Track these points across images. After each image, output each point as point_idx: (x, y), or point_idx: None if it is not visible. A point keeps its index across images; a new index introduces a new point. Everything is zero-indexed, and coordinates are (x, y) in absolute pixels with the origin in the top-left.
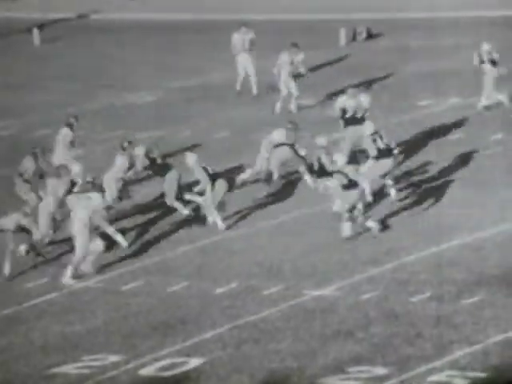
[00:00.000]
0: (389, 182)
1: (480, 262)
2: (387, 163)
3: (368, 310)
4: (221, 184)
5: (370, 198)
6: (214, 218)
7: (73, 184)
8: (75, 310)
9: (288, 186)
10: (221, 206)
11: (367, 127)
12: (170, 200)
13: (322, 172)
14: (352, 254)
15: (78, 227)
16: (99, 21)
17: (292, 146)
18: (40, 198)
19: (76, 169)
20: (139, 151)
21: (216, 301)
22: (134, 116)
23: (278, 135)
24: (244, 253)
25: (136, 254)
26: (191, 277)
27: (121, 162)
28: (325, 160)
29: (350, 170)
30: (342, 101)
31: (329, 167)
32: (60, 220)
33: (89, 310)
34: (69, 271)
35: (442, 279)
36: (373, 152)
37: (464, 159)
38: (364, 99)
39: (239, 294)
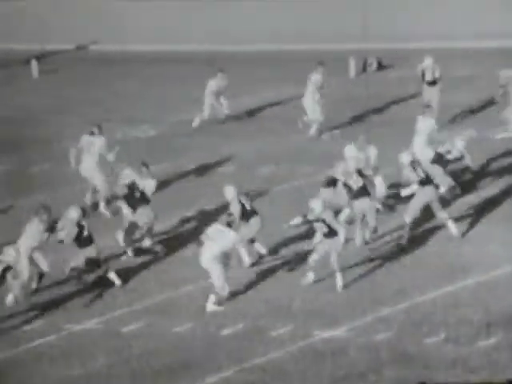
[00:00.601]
0: (442, 214)
1: (497, 301)
2: (430, 191)
3: (380, 352)
4: (256, 221)
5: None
6: (241, 253)
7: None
8: (75, 352)
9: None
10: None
11: (403, 157)
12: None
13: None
14: (363, 294)
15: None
16: (98, 52)
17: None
18: None
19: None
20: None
21: (222, 343)
22: (136, 150)
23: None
24: (251, 292)
25: (137, 294)
26: (195, 317)
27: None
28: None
29: (328, 215)
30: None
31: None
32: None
33: (89, 352)
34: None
35: (457, 320)
36: (414, 179)
37: (477, 194)
38: (371, 153)
39: (246, 335)
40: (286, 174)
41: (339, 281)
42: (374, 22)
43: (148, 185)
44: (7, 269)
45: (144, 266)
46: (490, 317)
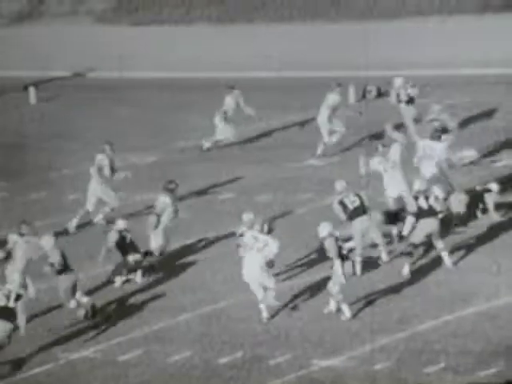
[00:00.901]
0: (440, 245)
1: (497, 331)
2: (430, 223)
3: (380, 382)
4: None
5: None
6: None
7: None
8: (72, 381)
9: (296, 248)
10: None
11: (416, 184)
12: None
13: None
14: (362, 322)
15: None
16: (96, 79)
17: None
18: None
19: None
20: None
21: (220, 372)
22: (134, 177)
23: None
24: (249, 320)
25: (134, 322)
26: (193, 346)
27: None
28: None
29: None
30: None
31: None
32: None
33: (86, 381)
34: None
35: (457, 349)
36: (412, 209)
37: (479, 224)
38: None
39: (244, 364)
40: (285, 201)
41: (347, 311)
42: (375, 49)
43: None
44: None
45: (142, 293)
46: (490, 346)
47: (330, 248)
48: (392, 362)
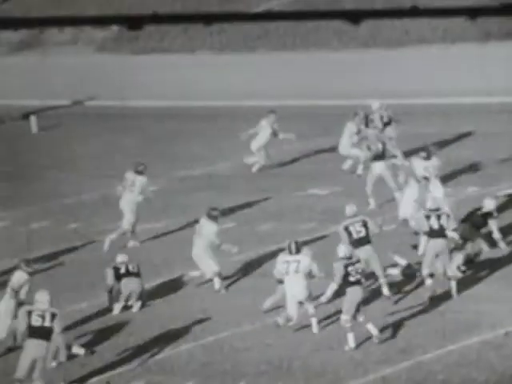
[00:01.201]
0: (450, 272)
1: (501, 360)
2: (440, 243)
3: None
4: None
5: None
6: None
7: None
8: None
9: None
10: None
11: (429, 203)
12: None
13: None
14: (364, 352)
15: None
16: (95, 107)
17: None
18: None
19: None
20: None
21: None
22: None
23: None
24: (251, 350)
25: (136, 352)
26: (195, 376)
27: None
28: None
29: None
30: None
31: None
32: None
33: None
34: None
35: (461, 379)
36: (424, 228)
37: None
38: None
39: None
40: (287, 230)
41: (373, 330)
42: (378, 78)
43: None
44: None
45: (145, 322)
46: (495, 376)
47: (336, 271)
48: None
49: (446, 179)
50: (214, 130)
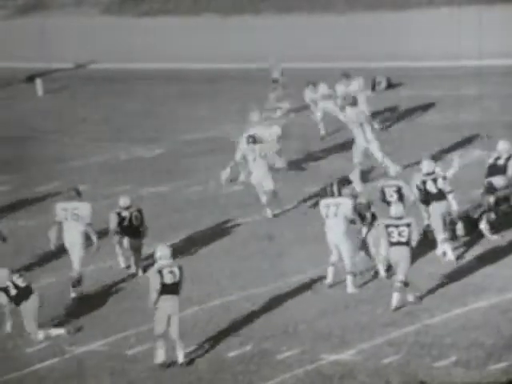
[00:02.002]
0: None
1: (509, 324)
2: (443, 206)
3: (389, 376)
4: None
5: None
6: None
7: None
8: (78, 376)
9: (303, 244)
10: None
11: (424, 167)
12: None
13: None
14: (371, 316)
15: None
16: (99, 70)
17: None
18: None
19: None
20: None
21: (228, 365)
22: (141, 170)
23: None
24: (257, 314)
25: (143, 315)
26: (201, 340)
27: None
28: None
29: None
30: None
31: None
32: None
33: (92, 375)
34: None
35: (468, 343)
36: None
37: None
38: None
39: (252, 358)
40: (294, 193)
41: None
42: (384, 41)
43: None
44: None
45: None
46: (502, 340)
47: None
48: (401, 356)
49: (450, 143)
50: (219, 93)
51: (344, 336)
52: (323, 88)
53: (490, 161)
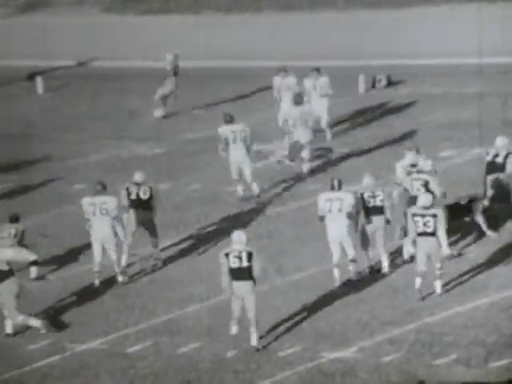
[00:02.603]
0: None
1: (509, 322)
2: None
3: (390, 374)
4: None
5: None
6: None
7: None
8: (78, 374)
9: (304, 241)
10: None
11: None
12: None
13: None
14: (371, 314)
15: None
16: (100, 68)
17: None
18: None
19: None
20: None
21: (229, 364)
22: (142, 168)
23: None
24: (258, 312)
25: (144, 313)
26: (202, 338)
27: None
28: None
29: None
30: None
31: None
32: None
33: (93, 373)
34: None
35: (468, 341)
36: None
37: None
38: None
39: (253, 357)
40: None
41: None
42: (385, 39)
43: None
44: None
45: (151, 283)
46: (502, 338)
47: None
48: (402, 354)
49: (450, 141)
50: (220, 91)
51: (345, 334)
52: (291, 80)
53: (489, 158)
